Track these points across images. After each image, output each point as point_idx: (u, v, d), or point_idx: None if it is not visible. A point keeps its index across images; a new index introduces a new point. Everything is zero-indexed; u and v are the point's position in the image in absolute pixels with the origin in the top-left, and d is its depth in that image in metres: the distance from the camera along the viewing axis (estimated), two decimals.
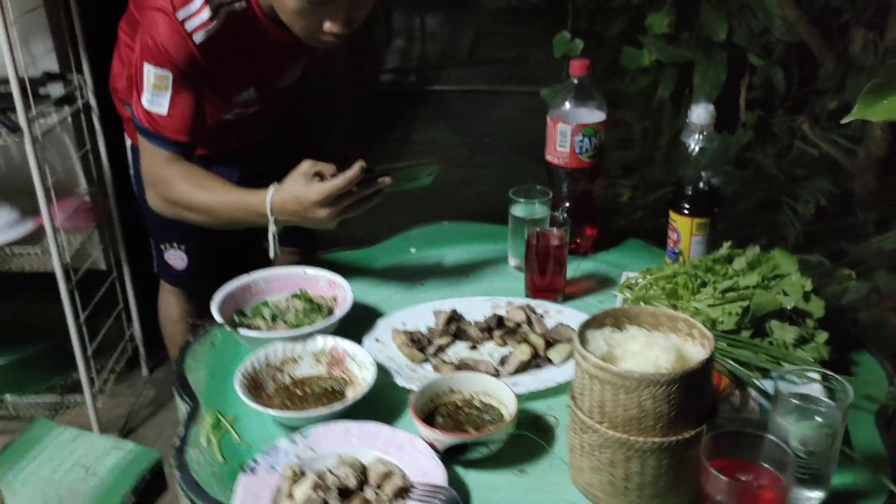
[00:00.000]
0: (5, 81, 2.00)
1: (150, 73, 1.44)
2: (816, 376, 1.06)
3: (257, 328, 1.35)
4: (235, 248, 1.95)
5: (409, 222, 1.81)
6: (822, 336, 1.24)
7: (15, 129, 1.99)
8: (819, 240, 2.67)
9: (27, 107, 2.00)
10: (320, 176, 1.36)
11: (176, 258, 1.92)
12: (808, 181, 2.71)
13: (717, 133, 1.43)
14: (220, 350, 1.37)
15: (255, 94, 1.64)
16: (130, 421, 2.53)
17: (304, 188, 1.35)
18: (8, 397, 2.46)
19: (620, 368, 0.94)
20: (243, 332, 1.30)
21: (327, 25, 1.41)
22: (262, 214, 1.40)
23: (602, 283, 1.55)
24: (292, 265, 1.51)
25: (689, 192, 1.44)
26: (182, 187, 1.47)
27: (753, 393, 1.18)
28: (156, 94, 1.45)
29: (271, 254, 1.43)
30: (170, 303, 2.06)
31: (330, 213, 1.35)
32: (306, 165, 1.37)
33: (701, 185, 1.44)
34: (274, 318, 1.38)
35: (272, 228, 1.41)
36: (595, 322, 1.05)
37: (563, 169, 1.58)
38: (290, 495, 1.01)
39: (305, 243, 2.02)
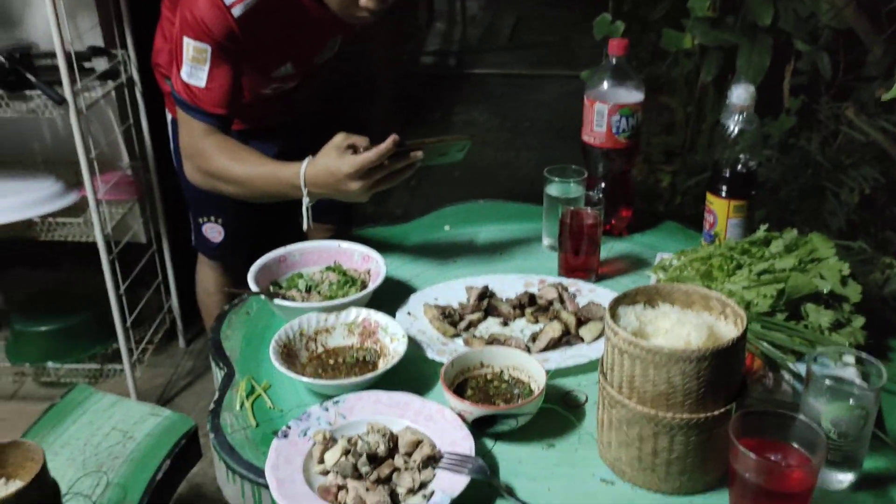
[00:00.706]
0: (52, 55, 2.05)
1: (189, 46, 1.46)
2: (851, 360, 1.05)
3: (292, 299, 1.37)
4: (271, 222, 1.98)
5: (447, 202, 1.81)
6: (859, 321, 1.22)
7: (61, 101, 2.04)
8: (862, 228, 2.63)
9: (72, 80, 2.04)
10: (353, 149, 1.37)
11: (213, 231, 1.95)
12: (854, 168, 2.66)
13: (758, 116, 1.41)
14: (255, 319, 1.40)
15: (292, 69, 1.66)
16: (167, 391, 2.58)
17: (336, 161, 1.36)
18: (49, 364, 2.53)
19: (651, 344, 0.94)
20: (278, 302, 1.32)
21: (363, 1, 1.41)
22: (296, 187, 1.41)
23: (636, 264, 1.55)
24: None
25: (727, 174, 1.43)
26: (219, 159, 1.49)
27: (786, 376, 1.17)
28: (194, 67, 1.47)
29: (305, 226, 1.45)
30: (206, 276, 2.09)
31: (362, 186, 1.36)
32: (339, 138, 1.39)
33: (739, 167, 1.42)
34: (308, 289, 1.40)
35: (305, 201, 1.42)
36: (627, 298, 1.05)
37: (598, 149, 1.58)
38: (321, 460, 1.03)
39: (340, 219, 2.04)
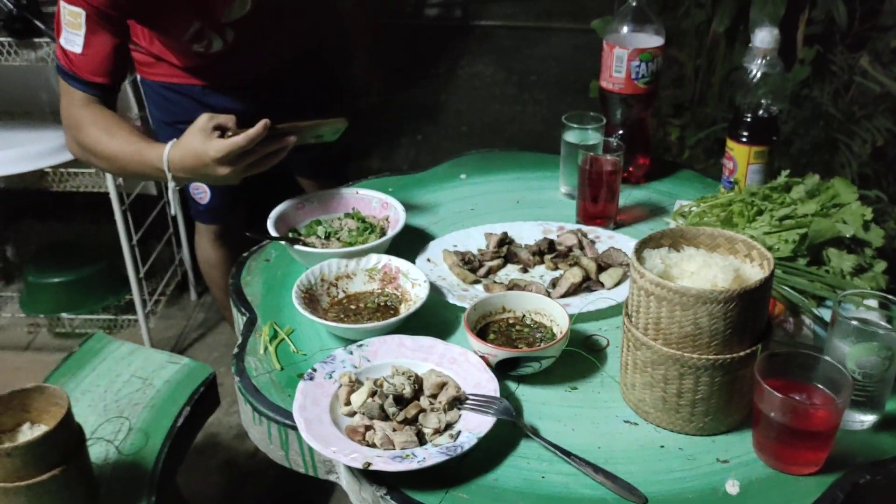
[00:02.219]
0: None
1: (64, 10, 1.38)
2: (874, 304, 1.05)
3: (311, 246, 1.37)
4: (261, 183, 1.94)
5: (454, 156, 1.79)
6: (881, 265, 1.22)
7: None
8: (875, 181, 2.62)
9: None
10: (221, 130, 1.32)
11: (199, 191, 1.90)
12: (866, 120, 2.64)
13: (781, 59, 1.40)
14: (274, 266, 1.40)
15: (200, 26, 1.55)
16: (180, 342, 2.60)
17: (203, 144, 1.30)
18: (63, 315, 2.54)
19: (678, 285, 0.94)
20: (299, 248, 1.32)
21: None
22: (160, 170, 1.36)
23: (654, 211, 1.54)
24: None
25: (748, 119, 1.41)
26: (92, 132, 1.42)
27: (807, 320, 1.17)
28: (70, 32, 1.39)
29: (172, 211, 1.37)
30: (205, 248, 2.06)
31: (232, 171, 1.31)
32: (203, 119, 1.32)
33: (761, 112, 1.41)
34: (328, 236, 1.40)
35: (171, 185, 1.37)
36: (652, 241, 1.05)
37: (617, 95, 1.56)
38: (348, 402, 1.04)
39: (328, 175, 1.96)
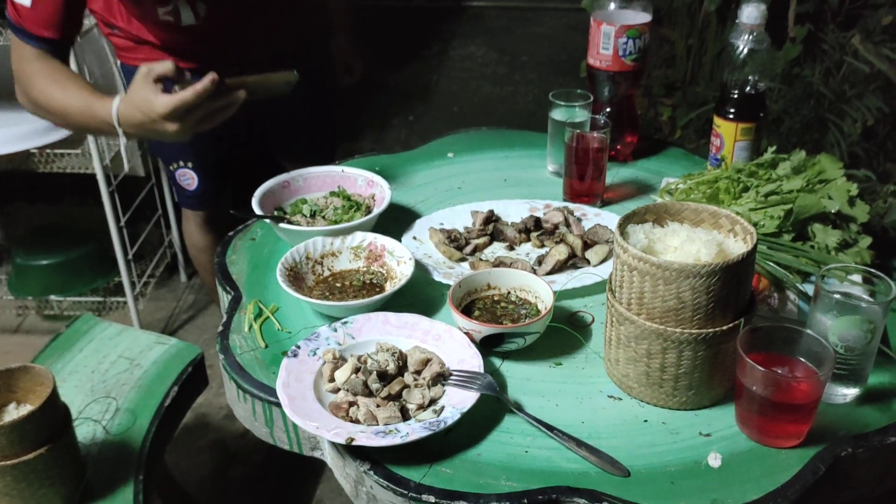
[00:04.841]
0: None
1: None
2: (858, 279, 1.05)
3: (297, 224, 1.36)
4: (249, 162, 1.93)
5: (446, 135, 1.79)
6: (866, 241, 1.22)
7: None
8: (865, 161, 2.62)
9: None
10: (163, 81, 1.29)
11: (186, 178, 1.87)
12: (857, 100, 2.63)
13: (768, 35, 1.39)
14: (259, 245, 1.39)
15: None
16: (170, 324, 2.59)
17: (150, 100, 1.27)
18: (52, 297, 2.54)
19: (660, 259, 0.94)
20: (284, 226, 1.32)
21: None
22: (110, 125, 1.33)
23: (641, 188, 1.54)
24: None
25: (735, 96, 1.41)
26: (42, 86, 1.41)
27: (792, 295, 1.17)
28: None
29: (124, 168, 1.36)
30: (192, 233, 2.04)
31: (180, 127, 1.29)
32: (143, 70, 1.29)
33: (748, 88, 1.40)
34: (313, 214, 1.39)
35: (123, 141, 1.36)
36: (636, 216, 1.05)
37: (605, 72, 1.55)
38: (332, 378, 1.04)
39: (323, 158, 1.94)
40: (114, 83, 2.45)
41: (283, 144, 1.94)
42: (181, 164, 1.84)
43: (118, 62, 1.83)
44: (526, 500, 0.90)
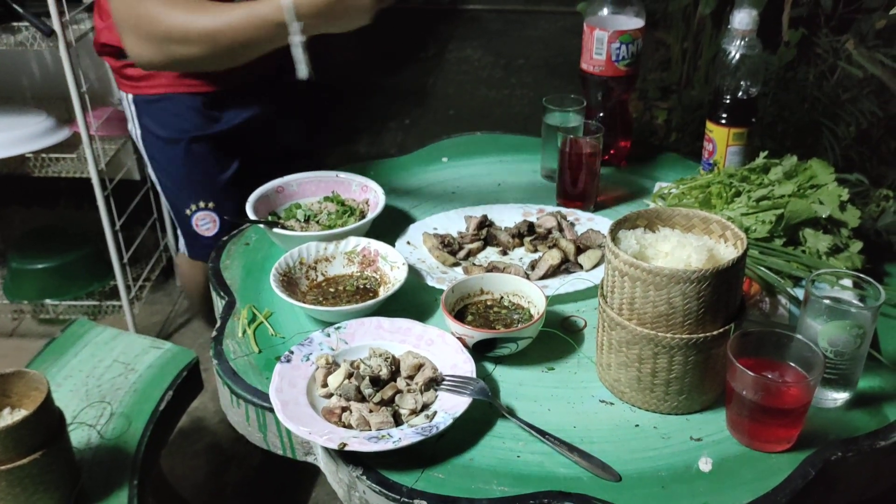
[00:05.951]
0: None
1: None
2: (848, 283, 1.06)
3: (291, 229, 1.37)
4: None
5: (443, 138, 1.80)
6: (856, 245, 1.23)
7: (49, 33, 2.00)
8: (859, 165, 2.62)
9: (60, 12, 2.00)
10: None
11: (206, 222, 1.67)
12: (851, 104, 2.64)
13: (760, 40, 1.40)
14: (254, 250, 1.40)
15: None
16: (165, 328, 2.59)
17: None
18: (47, 301, 2.54)
19: (651, 265, 0.95)
20: (278, 230, 1.32)
21: None
22: (280, 23, 1.19)
23: (634, 193, 1.55)
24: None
25: (728, 101, 1.42)
26: (171, 16, 1.25)
27: (783, 300, 1.18)
28: None
29: (302, 73, 1.21)
30: (191, 277, 1.87)
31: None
32: None
33: (740, 94, 1.41)
34: (307, 219, 1.40)
35: (296, 39, 1.20)
36: (627, 222, 1.05)
37: (598, 77, 1.56)
38: (325, 383, 1.05)
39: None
40: (109, 87, 2.46)
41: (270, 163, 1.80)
42: (201, 206, 1.65)
43: (129, 96, 1.64)
44: None
